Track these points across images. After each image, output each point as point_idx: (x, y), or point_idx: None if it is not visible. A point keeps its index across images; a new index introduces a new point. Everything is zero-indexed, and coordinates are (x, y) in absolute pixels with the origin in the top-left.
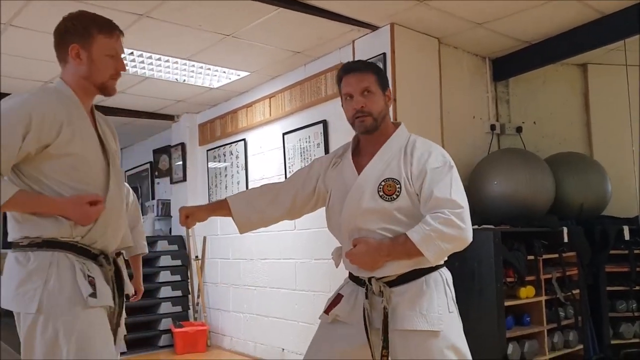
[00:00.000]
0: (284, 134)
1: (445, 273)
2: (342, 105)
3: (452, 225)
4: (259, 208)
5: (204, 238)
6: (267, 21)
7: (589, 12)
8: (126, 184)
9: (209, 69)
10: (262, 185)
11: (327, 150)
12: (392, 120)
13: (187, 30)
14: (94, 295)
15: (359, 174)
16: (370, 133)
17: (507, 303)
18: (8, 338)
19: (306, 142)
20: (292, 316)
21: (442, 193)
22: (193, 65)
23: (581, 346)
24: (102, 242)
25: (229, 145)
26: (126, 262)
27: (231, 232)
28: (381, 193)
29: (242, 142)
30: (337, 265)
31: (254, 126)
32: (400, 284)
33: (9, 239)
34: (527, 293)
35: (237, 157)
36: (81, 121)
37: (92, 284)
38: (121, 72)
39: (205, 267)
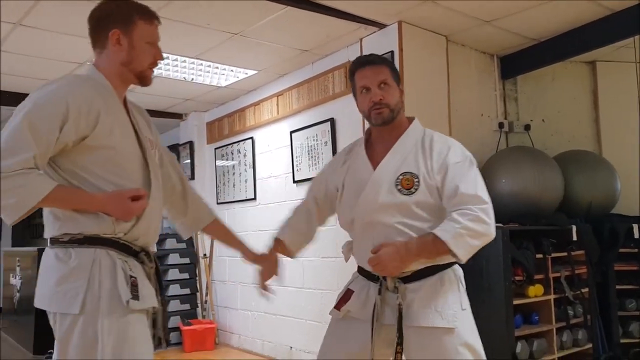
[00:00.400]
0: (291, 132)
1: (458, 270)
2: (356, 99)
3: (480, 221)
4: (303, 231)
5: None
6: (275, 19)
7: (598, 9)
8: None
9: (217, 67)
10: (294, 210)
11: (334, 149)
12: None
13: (195, 28)
14: (136, 297)
15: (374, 168)
16: (387, 124)
17: (516, 302)
18: (15, 334)
19: (314, 140)
20: (299, 314)
21: (468, 189)
22: (201, 64)
23: (590, 345)
24: (144, 238)
25: (236, 144)
26: None
27: (238, 230)
28: (399, 187)
29: (250, 140)
30: (346, 260)
31: (262, 124)
32: (415, 281)
33: (47, 235)
34: (535, 292)
35: (244, 155)
36: (117, 111)
37: (134, 284)
38: (159, 61)
39: (213, 265)
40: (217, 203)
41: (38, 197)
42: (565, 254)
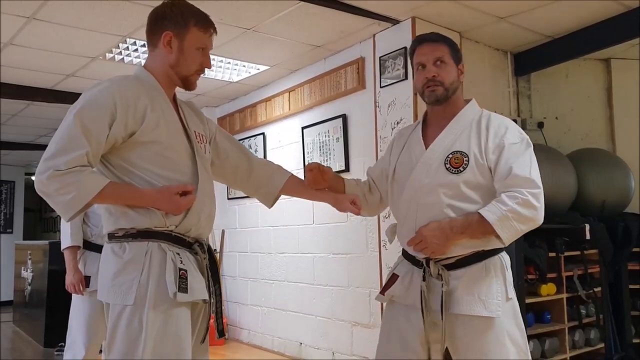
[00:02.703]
0: (303, 128)
1: (505, 257)
2: (414, 76)
3: (529, 206)
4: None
5: (222, 231)
6: (288, 15)
7: (614, 6)
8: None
9: (229, 62)
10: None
11: (346, 145)
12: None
13: None
14: (184, 290)
15: (426, 148)
16: (440, 103)
17: (528, 300)
18: (26, 327)
19: (325, 136)
20: (309, 310)
21: (522, 171)
22: (213, 59)
23: (602, 344)
24: (196, 229)
25: (248, 139)
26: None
27: (249, 226)
28: (448, 165)
29: (261, 136)
30: (390, 242)
31: (273, 120)
32: (459, 268)
33: (105, 231)
34: (548, 290)
35: (256, 150)
36: (164, 108)
37: (183, 277)
38: (206, 68)
39: (224, 260)
40: (228, 199)
41: (91, 194)
42: (578, 252)
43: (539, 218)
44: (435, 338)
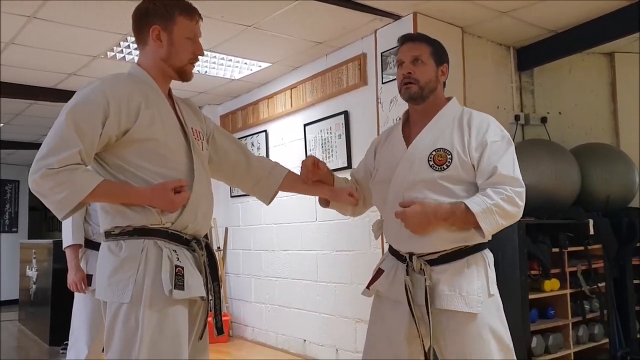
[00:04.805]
0: (305, 125)
1: (488, 255)
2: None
3: (513, 203)
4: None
5: (226, 229)
6: (288, 11)
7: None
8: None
9: (231, 60)
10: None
11: (348, 142)
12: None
13: (209, 21)
14: (180, 287)
15: (407, 146)
16: (416, 101)
17: (532, 296)
18: (31, 325)
19: (327, 133)
20: (313, 307)
21: (507, 170)
22: (215, 57)
23: (606, 340)
24: (193, 226)
25: (250, 137)
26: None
27: (252, 223)
28: (431, 163)
29: (264, 133)
30: (376, 237)
31: (275, 117)
32: (442, 263)
33: (101, 230)
34: (551, 286)
35: (258, 148)
36: (159, 104)
37: (179, 274)
38: (199, 56)
39: (227, 257)
40: (231, 196)
41: (85, 192)
42: (582, 248)
43: (519, 216)
44: (420, 332)
